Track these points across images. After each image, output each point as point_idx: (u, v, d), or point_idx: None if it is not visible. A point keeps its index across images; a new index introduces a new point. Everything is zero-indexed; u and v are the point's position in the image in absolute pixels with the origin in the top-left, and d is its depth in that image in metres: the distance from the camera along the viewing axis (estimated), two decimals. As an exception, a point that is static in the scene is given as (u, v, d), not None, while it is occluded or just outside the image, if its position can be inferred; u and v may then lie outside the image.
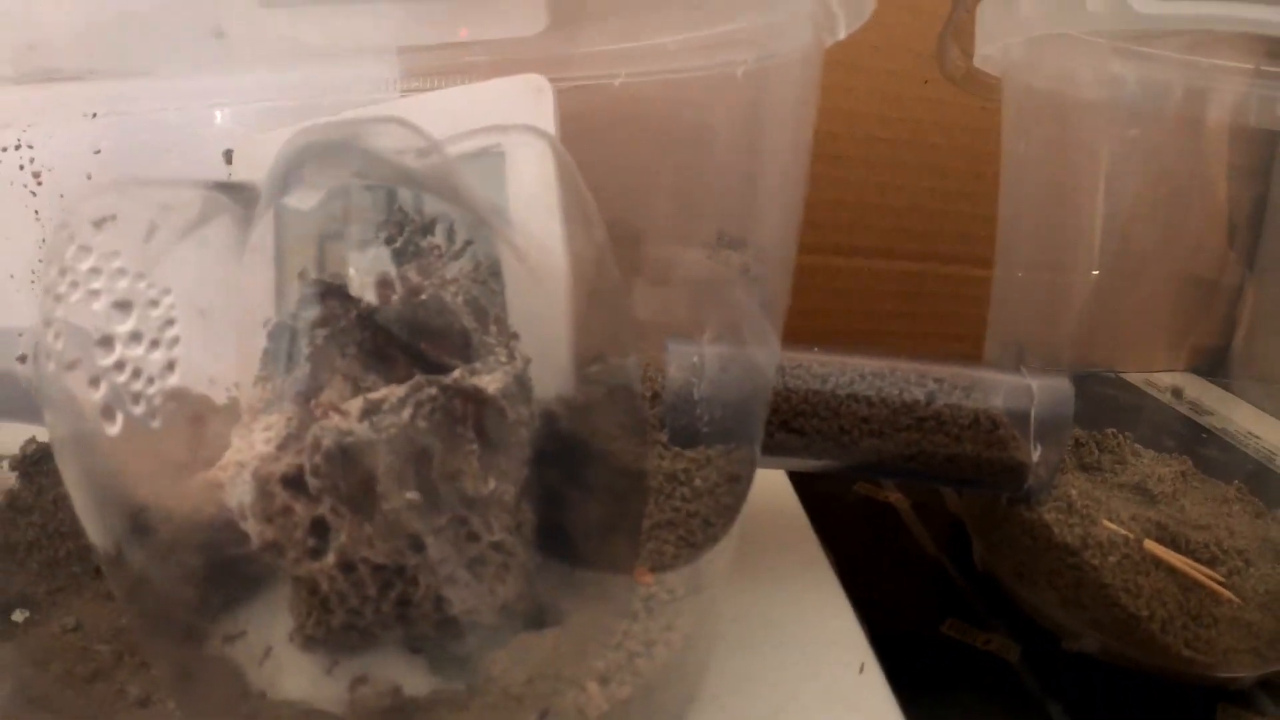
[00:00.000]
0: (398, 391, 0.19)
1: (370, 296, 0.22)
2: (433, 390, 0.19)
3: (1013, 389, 0.29)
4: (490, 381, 0.21)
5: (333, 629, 0.20)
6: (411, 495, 0.19)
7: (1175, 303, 0.40)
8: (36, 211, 0.28)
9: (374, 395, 0.19)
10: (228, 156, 0.27)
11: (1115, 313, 0.37)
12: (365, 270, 0.22)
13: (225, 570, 0.21)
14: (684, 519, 0.25)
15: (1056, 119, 0.33)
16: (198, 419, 0.20)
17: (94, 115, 0.27)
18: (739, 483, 0.26)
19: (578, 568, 0.23)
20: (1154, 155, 0.35)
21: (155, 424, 0.20)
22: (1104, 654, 0.30)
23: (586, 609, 0.23)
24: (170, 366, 0.20)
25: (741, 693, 0.25)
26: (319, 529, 0.19)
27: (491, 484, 0.21)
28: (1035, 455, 0.29)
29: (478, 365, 0.21)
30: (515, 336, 0.28)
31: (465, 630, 0.21)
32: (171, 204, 0.21)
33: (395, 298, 0.23)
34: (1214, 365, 0.44)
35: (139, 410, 0.20)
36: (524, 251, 0.23)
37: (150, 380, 0.20)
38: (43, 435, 0.27)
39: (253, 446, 0.19)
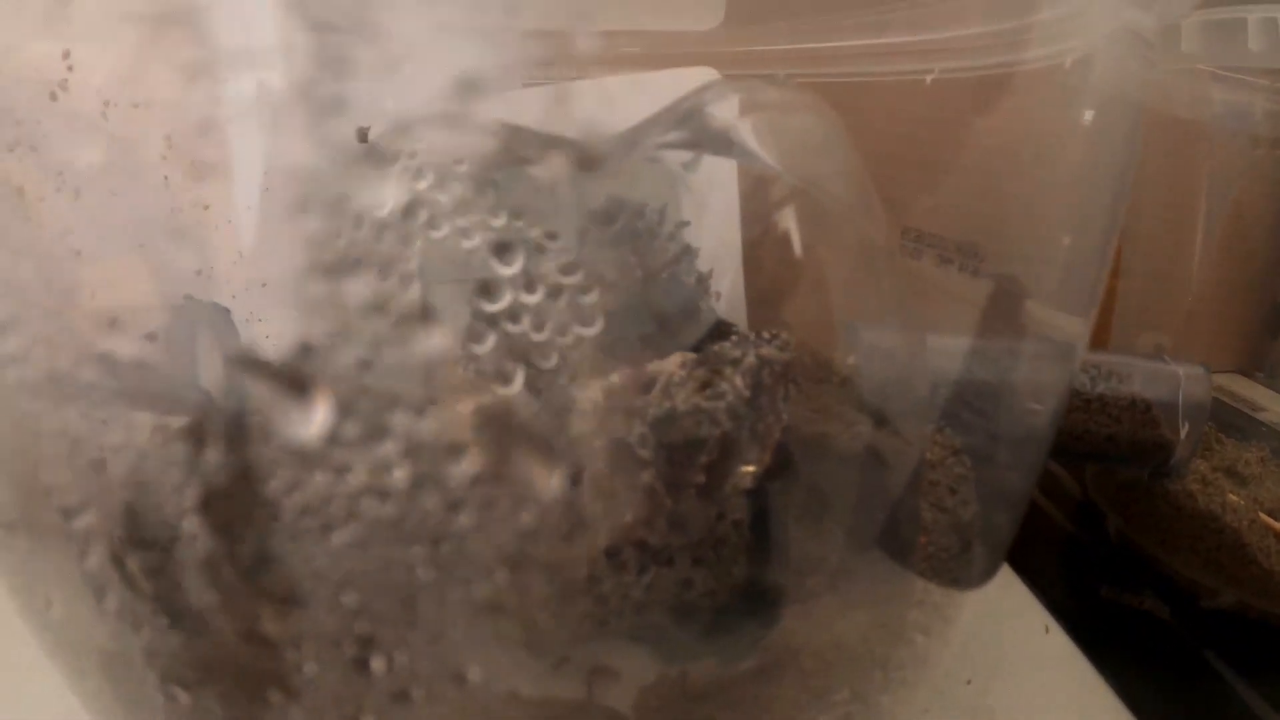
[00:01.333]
0: (670, 369, 0.19)
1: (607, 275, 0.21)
2: (752, 359, 0.19)
3: (1160, 374, 0.33)
4: (782, 355, 0.20)
5: (566, 620, 0.18)
6: (749, 467, 0.19)
7: (1236, 307, 0.45)
8: (166, 177, 0.28)
9: (625, 373, 0.19)
10: (362, 134, 0.27)
11: (1202, 318, 0.41)
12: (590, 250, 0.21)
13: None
14: (928, 487, 0.27)
15: (1167, 141, 0.37)
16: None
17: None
18: (962, 455, 0.28)
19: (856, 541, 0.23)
20: (1236, 173, 0.39)
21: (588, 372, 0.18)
22: (1237, 608, 0.33)
23: (841, 576, 0.23)
24: (589, 314, 0.18)
25: (953, 659, 0.27)
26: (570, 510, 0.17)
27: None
28: (1183, 433, 0.33)
29: (732, 341, 0.21)
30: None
31: (704, 614, 0.20)
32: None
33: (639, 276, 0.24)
34: (1248, 366, 0.49)
35: (548, 364, 0.17)
36: (847, 218, 0.24)
37: (562, 329, 0.17)
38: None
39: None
